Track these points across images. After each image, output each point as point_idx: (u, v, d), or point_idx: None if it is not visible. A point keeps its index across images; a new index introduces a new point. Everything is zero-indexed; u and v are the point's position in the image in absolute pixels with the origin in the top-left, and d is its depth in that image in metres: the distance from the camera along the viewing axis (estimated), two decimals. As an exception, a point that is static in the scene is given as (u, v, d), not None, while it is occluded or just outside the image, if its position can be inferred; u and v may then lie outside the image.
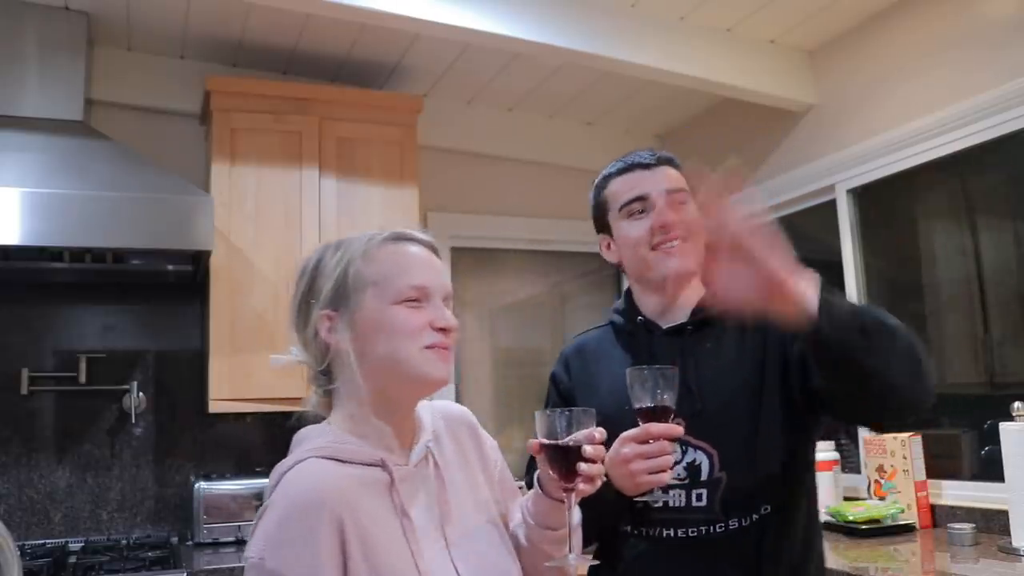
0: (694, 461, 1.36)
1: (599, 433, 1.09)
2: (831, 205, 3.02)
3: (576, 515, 1.17)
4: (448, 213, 3.50)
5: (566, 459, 1.08)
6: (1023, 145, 2.42)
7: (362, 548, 0.98)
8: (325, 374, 1.14)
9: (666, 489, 1.34)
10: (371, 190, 2.99)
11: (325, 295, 1.11)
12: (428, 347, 1.08)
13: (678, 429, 1.26)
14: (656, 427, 1.23)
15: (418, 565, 1.02)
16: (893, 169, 2.77)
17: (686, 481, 1.36)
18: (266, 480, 3.18)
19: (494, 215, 3.62)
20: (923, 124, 2.62)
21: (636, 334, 1.47)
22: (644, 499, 1.32)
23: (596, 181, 1.54)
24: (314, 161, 2.93)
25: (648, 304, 1.48)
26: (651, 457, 1.22)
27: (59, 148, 2.58)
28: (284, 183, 2.89)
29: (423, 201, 3.12)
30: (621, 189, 1.46)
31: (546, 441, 1.09)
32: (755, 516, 1.34)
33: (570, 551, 1.13)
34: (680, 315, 1.45)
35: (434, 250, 1.17)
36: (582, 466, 1.07)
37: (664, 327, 1.45)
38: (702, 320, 1.41)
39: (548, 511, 1.15)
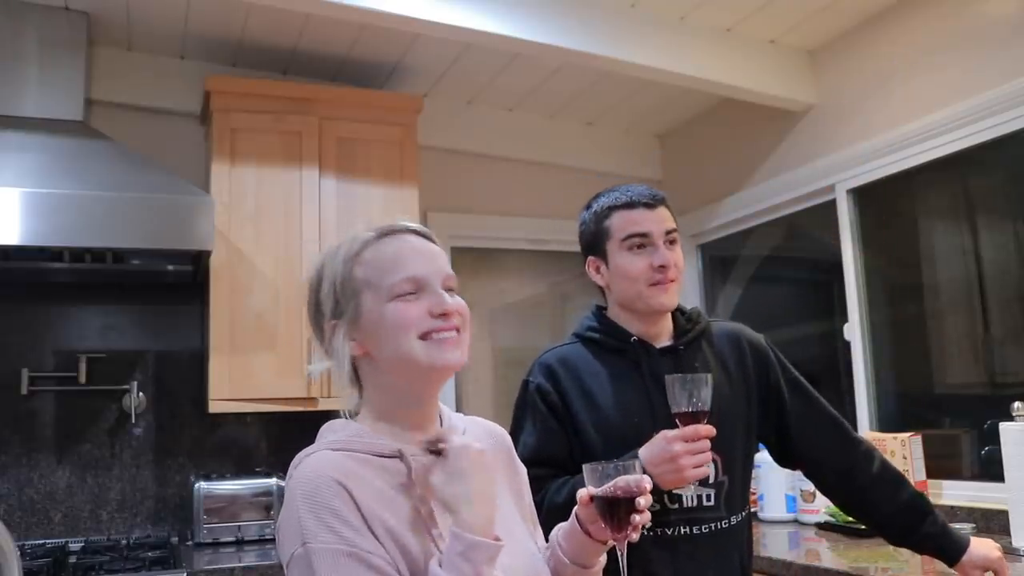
0: None
1: (647, 482, 1.13)
2: (831, 205, 3.02)
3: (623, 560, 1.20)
4: (448, 213, 3.49)
5: (618, 510, 1.12)
6: (1023, 145, 2.42)
7: (375, 513, 0.99)
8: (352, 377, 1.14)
9: (702, 482, 1.53)
10: (371, 190, 2.99)
11: (328, 305, 1.11)
12: (426, 335, 1.05)
13: (714, 430, 1.42)
14: (703, 428, 1.39)
15: (436, 543, 1.01)
16: (893, 169, 2.77)
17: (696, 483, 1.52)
18: (266, 480, 3.18)
19: (494, 215, 3.62)
20: (923, 124, 2.63)
21: (628, 352, 1.60)
22: (681, 491, 1.50)
23: (596, 208, 1.64)
24: (314, 161, 2.92)
25: (631, 327, 1.62)
26: (696, 453, 1.39)
27: (59, 148, 2.58)
28: (284, 183, 2.89)
29: (423, 201, 3.12)
30: (625, 223, 1.58)
31: (598, 493, 1.12)
32: (743, 513, 1.61)
33: None
34: (661, 337, 1.63)
35: (427, 237, 1.14)
36: (636, 518, 1.11)
37: (658, 347, 1.61)
38: (687, 341, 1.62)
39: (585, 549, 1.17)
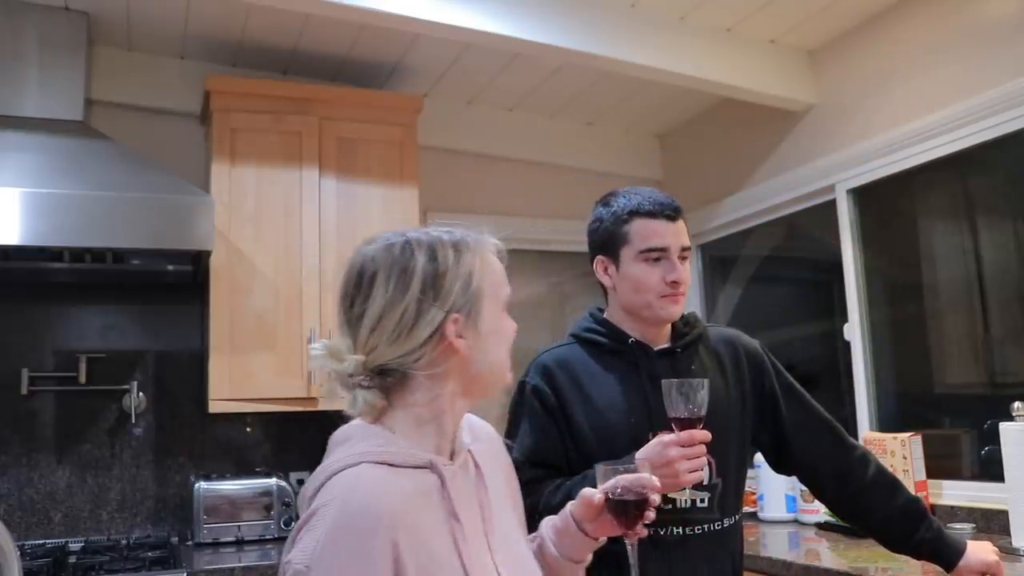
0: None
1: (656, 480, 1.18)
2: (831, 205, 3.01)
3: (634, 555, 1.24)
4: (448, 213, 3.49)
5: (630, 510, 1.16)
6: (1023, 145, 2.42)
7: (416, 570, 0.96)
8: (381, 375, 1.07)
9: (697, 485, 1.53)
10: (371, 190, 2.99)
11: (455, 297, 1.06)
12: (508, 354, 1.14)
13: (709, 435, 1.42)
14: (699, 433, 1.39)
15: (463, 558, 1.01)
16: (893, 169, 2.77)
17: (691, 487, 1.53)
18: (266, 480, 3.17)
19: (494, 215, 3.61)
20: (923, 124, 2.62)
21: (626, 354, 1.60)
22: (676, 495, 1.51)
23: (616, 209, 1.61)
24: (314, 161, 2.93)
25: (630, 329, 1.63)
26: (692, 458, 1.39)
27: (59, 148, 2.58)
28: (284, 183, 2.89)
29: (423, 201, 3.12)
30: (646, 233, 1.58)
31: (611, 496, 1.16)
32: (736, 516, 1.62)
33: None
34: (659, 339, 1.63)
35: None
36: (650, 514, 1.16)
37: (656, 349, 1.62)
38: (684, 344, 1.63)
39: (578, 545, 1.20)
